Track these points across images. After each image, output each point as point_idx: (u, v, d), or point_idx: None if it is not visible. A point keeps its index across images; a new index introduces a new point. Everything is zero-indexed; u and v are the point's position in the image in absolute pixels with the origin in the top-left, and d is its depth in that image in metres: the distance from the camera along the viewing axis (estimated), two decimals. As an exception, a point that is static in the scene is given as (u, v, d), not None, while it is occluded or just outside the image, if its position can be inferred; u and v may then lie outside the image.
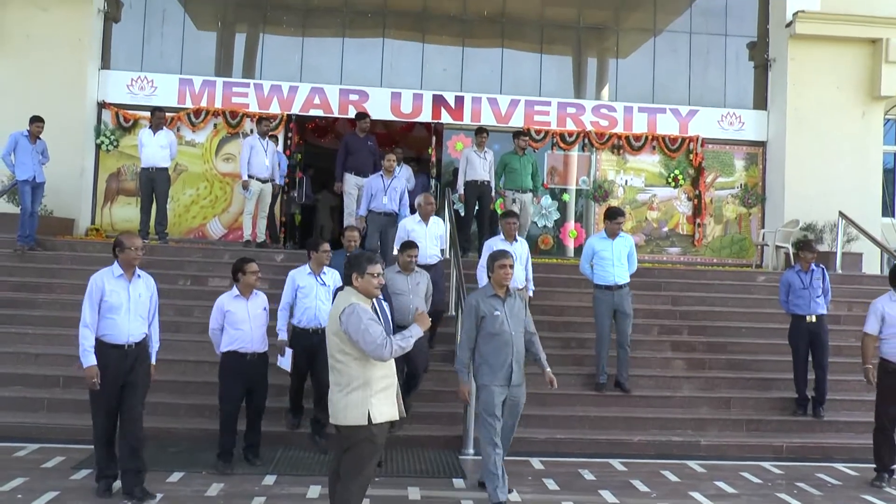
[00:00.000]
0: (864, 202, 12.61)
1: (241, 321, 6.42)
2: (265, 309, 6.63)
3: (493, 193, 11.32)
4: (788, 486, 6.64)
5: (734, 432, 8.12)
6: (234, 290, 6.54)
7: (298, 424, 7.33)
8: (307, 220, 14.31)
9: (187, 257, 10.53)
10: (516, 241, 8.39)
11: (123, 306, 5.51)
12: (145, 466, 5.63)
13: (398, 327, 6.49)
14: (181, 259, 10.45)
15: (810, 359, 8.39)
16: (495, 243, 8.13)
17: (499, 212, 11.78)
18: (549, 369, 5.94)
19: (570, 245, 13.23)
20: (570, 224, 13.30)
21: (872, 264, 12.46)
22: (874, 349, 6.85)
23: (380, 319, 6.13)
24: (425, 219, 8.64)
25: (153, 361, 5.88)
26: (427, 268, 8.33)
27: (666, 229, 13.33)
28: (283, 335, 7.08)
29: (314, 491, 5.88)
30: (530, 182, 11.19)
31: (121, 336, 5.52)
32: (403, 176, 10.32)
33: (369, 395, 4.32)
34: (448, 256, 9.59)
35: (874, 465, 6.88)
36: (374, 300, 6.13)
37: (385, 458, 6.55)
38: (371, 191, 9.79)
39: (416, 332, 4.53)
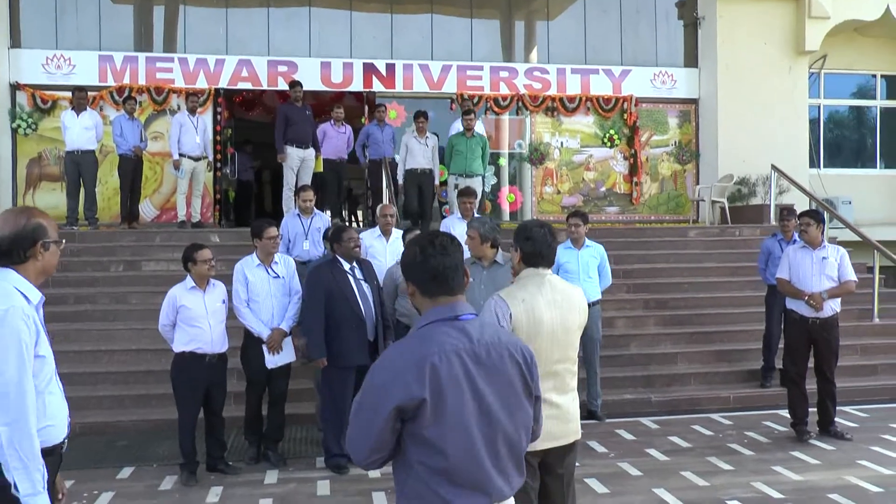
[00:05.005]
0: (793, 155, 12.93)
1: (198, 317, 5.57)
2: (224, 302, 5.78)
3: (435, 182, 10.62)
4: (738, 436, 6.80)
5: (682, 387, 8.29)
6: (189, 281, 5.67)
7: (260, 455, 6.06)
8: (241, 197, 13.95)
9: (119, 242, 10.14)
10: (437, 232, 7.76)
11: None
12: None
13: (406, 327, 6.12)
14: (113, 244, 10.06)
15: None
16: (453, 222, 7.79)
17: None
18: None
19: (508, 209, 13.23)
20: (507, 188, 13.28)
21: (801, 215, 12.81)
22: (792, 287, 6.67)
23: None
24: (385, 233, 7.34)
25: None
26: None
27: (603, 189, 13.43)
28: (263, 330, 5.92)
29: (272, 476, 5.77)
30: (479, 166, 10.24)
31: None
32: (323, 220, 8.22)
33: None
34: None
35: (791, 421, 6.75)
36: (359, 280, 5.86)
37: None
38: (288, 235, 7.90)
39: None
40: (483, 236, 5.20)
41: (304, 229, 7.92)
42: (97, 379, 7.63)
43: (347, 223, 12.82)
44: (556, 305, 3.39)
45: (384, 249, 7.22)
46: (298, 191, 8.35)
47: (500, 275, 5.36)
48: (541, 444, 3.30)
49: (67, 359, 7.76)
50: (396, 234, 7.39)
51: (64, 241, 2.96)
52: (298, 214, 8.03)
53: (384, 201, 10.49)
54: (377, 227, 7.42)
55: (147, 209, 11.97)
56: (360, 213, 16.06)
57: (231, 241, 10.11)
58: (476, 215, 7.43)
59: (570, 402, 3.48)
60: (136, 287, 9.23)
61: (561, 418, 3.40)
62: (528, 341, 3.23)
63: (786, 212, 8.26)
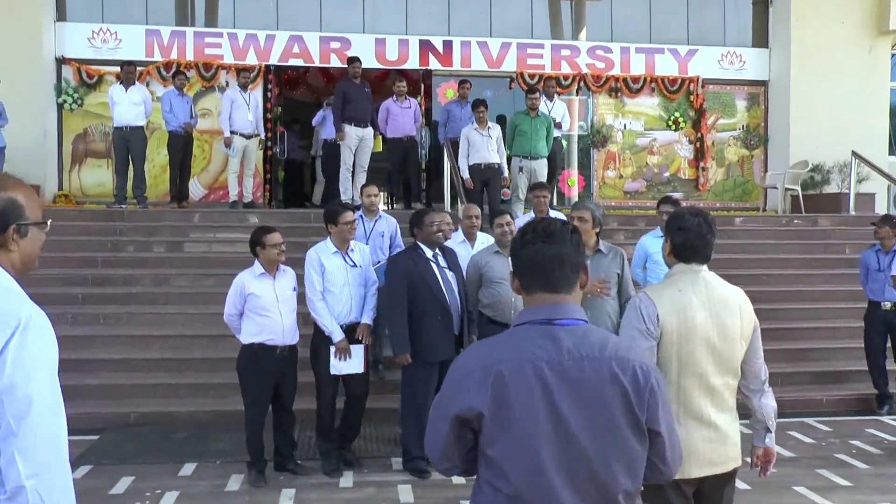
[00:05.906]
0: (871, 141, 12.15)
1: (268, 306, 5.11)
2: (294, 289, 5.31)
3: (504, 175, 9.57)
4: (844, 445, 6.23)
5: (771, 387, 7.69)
6: (257, 267, 5.19)
7: (338, 464, 5.45)
8: (291, 177, 13.50)
9: (163, 221, 9.73)
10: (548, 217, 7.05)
11: None
12: None
13: (495, 324, 5.30)
14: (157, 224, 9.66)
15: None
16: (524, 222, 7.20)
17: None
18: None
19: (570, 194, 12.65)
20: (569, 171, 12.69)
21: (880, 204, 12.06)
22: None
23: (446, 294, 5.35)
24: (470, 238, 6.37)
25: None
26: None
27: (667, 174, 12.81)
28: (335, 330, 5.29)
29: (347, 478, 5.32)
30: (543, 147, 9.40)
31: None
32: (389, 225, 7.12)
33: None
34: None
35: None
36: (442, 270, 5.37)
37: None
38: None
39: None
40: (596, 219, 4.72)
41: (366, 233, 6.87)
42: (150, 366, 7.23)
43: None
44: (712, 308, 2.89)
45: (468, 257, 5.91)
46: (362, 188, 7.52)
47: (605, 265, 4.91)
48: (696, 472, 2.87)
49: (119, 343, 7.48)
50: (482, 238, 6.32)
51: (50, 221, 2.11)
52: (361, 216, 6.89)
53: (444, 185, 9.99)
54: (460, 231, 6.39)
55: (195, 188, 11.56)
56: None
57: (273, 222, 9.57)
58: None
59: (730, 422, 2.99)
60: (185, 269, 8.86)
61: (718, 441, 2.92)
62: (679, 347, 2.82)
63: (884, 218, 7.43)
